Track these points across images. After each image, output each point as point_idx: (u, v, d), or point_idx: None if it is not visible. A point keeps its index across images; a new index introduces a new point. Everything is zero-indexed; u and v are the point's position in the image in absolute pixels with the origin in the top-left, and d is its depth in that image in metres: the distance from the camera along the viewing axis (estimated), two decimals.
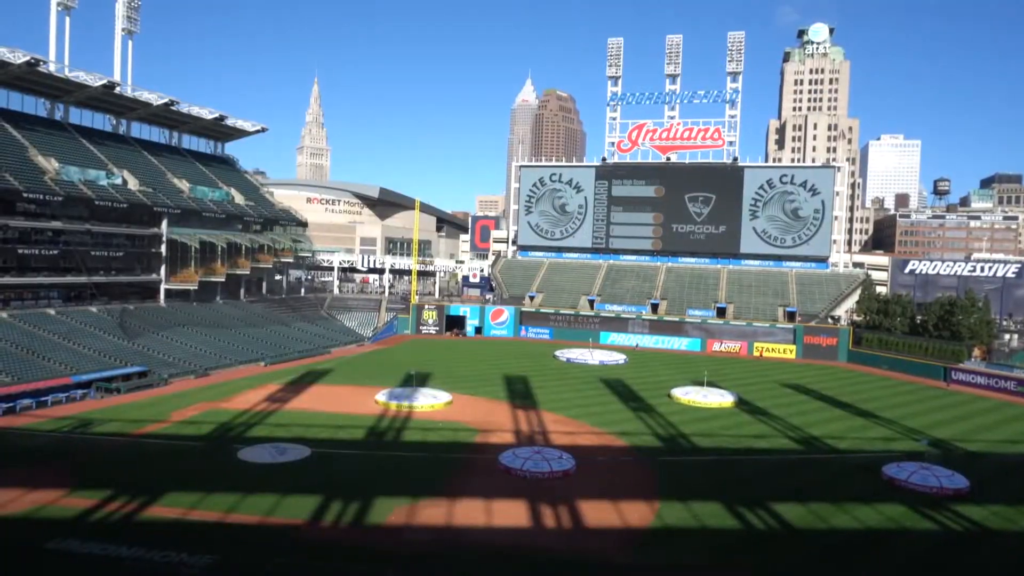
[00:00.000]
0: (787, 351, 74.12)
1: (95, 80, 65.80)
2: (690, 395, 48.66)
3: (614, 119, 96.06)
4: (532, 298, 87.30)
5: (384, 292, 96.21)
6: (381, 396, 45.97)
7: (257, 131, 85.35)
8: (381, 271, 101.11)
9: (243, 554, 22.73)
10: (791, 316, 77.89)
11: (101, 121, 73.57)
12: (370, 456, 34.01)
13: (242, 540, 23.83)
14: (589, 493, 28.75)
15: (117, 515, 25.37)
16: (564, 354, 68.25)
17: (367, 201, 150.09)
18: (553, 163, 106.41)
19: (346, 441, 36.14)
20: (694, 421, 42.42)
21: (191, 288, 70.54)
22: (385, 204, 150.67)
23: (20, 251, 56.09)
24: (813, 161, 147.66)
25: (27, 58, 59.23)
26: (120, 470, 30.50)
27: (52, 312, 57.25)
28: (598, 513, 26.80)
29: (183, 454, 33.78)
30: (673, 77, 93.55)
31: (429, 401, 44.98)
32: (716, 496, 28.62)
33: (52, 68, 63.59)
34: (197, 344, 60.34)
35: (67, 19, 67.95)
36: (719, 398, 48.29)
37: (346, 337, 76.83)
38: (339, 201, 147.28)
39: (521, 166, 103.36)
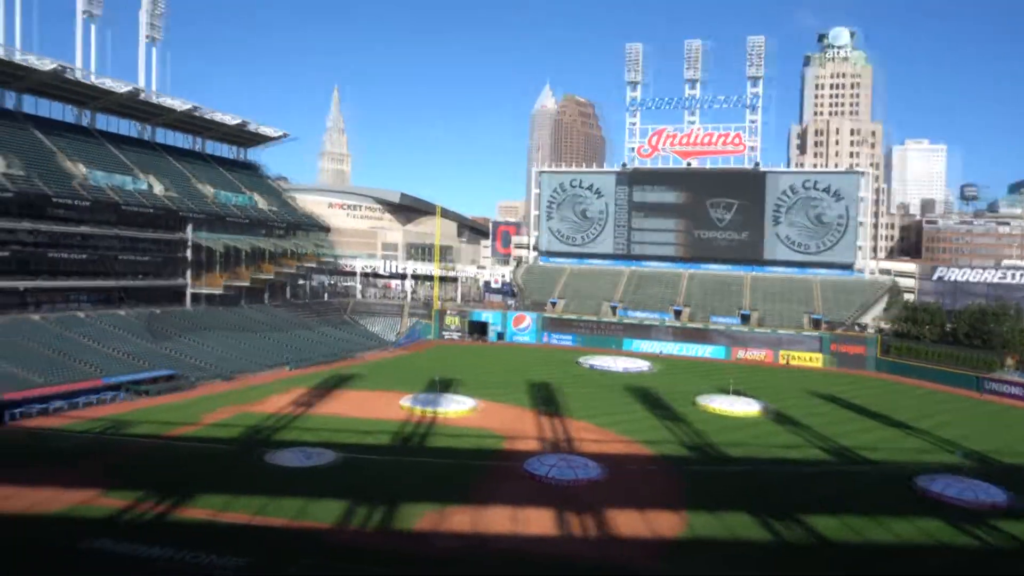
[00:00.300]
0: (814, 359, 73.16)
1: (121, 86, 66.91)
2: (716, 403, 48.18)
3: (634, 124, 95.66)
4: (554, 304, 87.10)
5: (406, 297, 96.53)
6: (406, 401, 46.06)
7: (279, 137, 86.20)
8: (403, 276, 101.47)
9: (271, 557, 22.81)
10: (817, 324, 76.94)
11: (127, 127, 74.70)
12: (396, 461, 34.03)
13: (270, 543, 23.92)
14: (616, 501, 28.49)
15: (149, 516, 25.64)
16: (588, 361, 67.94)
17: (388, 206, 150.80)
18: (574, 169, 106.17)
19: (371, 446, 36.16)
20: (721, 430, 41.96)
21: (217, 292, 71.22)
22: (406, 210, 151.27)
23: (50, 255, 56.97)
24: (836, 166, 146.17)
25: (55, 65, 60.38)
26: (151, 471, 30.83)
27: (82, 315, 58.10)
28: (625, 521, 26.54)
29: (212, 457, 34.07)
30: (693, 82, 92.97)
31: (454, 407, 44.98)
32: (746, 506, 28.23)
33: (79, 75, 64.58)
34: (223, 348, 60.89)
35: (92, 27, 68.91)
36: (746, 407, 47.75)
37: (369, 342, 77.12)
38: (360, 207, 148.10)
39: (541, 172, 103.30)
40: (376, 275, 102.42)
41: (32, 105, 65.15)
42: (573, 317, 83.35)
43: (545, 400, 49.57)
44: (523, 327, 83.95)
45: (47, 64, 59.96)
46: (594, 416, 44.69)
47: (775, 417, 46.18)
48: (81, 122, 69.70)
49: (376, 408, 44.88)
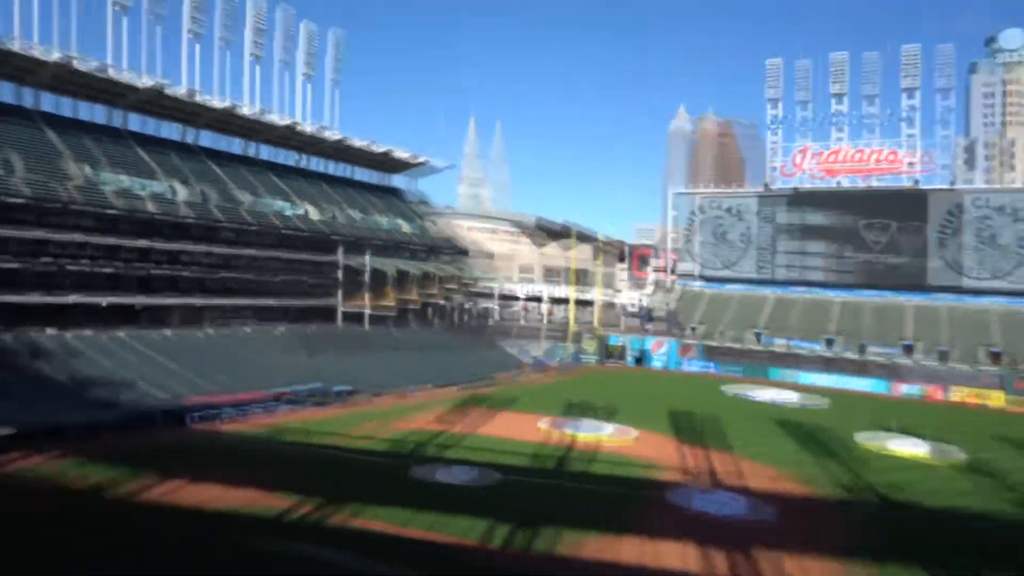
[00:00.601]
0: (993, 398, 65.90)
1: (281, 120, 73.23)
2: (878, 441, 44.47)
3: (775, 143, 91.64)
4: (694, 329, 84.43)
5: (543, 320, 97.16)
6: (547, 424, 46.22)
7: (420, 163, 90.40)
8: (540, 299, 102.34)
9: (411, 569, 23.31)
10: (995, 357, 69.41)
11: (285, 156, 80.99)
12: (551, 485, 33.93)
13: (435, 558, 24.49)
14: (765, 541, 26.75)
15: (310, 519, 27.21)
16: (732, 389, 65.14)
17: (525, 230, 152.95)
18: (712, 189, 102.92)
19: (525, 468, 36.38)
20: (884, 470, 38.53)
21: (367, 312, 74.95)
22: (542, 232, 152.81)
23: (220, 275, 62.43)
24: (1012, 182, 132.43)
25: (226, 104, 67.44)
26: (311, 478, 32.63)
27: (247, 330, 63.03)
28: (775, 564, 24.80)
29: (366, 468, 35.71)
30: (839, 96, 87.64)
31: (600, 432, 44.64)
32: (915, 560, 25.52)
33: (246, 111, 70.73)
34: (374, 365, 63.55)
35: (257, 68, 75.04)
36: (912, 447, 43.68)
37: (508, 364, 78.07)
38: (498, 230, 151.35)
39: (678, 193, 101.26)
40: (514, 298, 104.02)
41: (208, 139, 72.43)
42: (714, 344, 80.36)
43: (688, 429, 47.86)
44: (661, 352, 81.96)
45: (217, 103, 66.91)
46: (742, 448, 42.50)
47: (948, 460, 41.85)
48: (247, 153, 76.42)
49: (524, 430, 45.24)
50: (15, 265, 48.38)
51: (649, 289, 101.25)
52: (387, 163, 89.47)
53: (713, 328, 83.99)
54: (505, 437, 43.09)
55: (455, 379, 65.35)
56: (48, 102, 59.62)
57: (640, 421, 49.21)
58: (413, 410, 50.85)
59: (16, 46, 53.36)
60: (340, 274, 73.28)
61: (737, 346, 79.35)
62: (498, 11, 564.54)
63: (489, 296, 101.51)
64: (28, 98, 58.55)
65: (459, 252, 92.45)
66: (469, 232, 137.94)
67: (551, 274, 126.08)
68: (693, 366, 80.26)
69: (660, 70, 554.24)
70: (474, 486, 32.61)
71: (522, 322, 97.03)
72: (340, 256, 73.05)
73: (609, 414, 50.56)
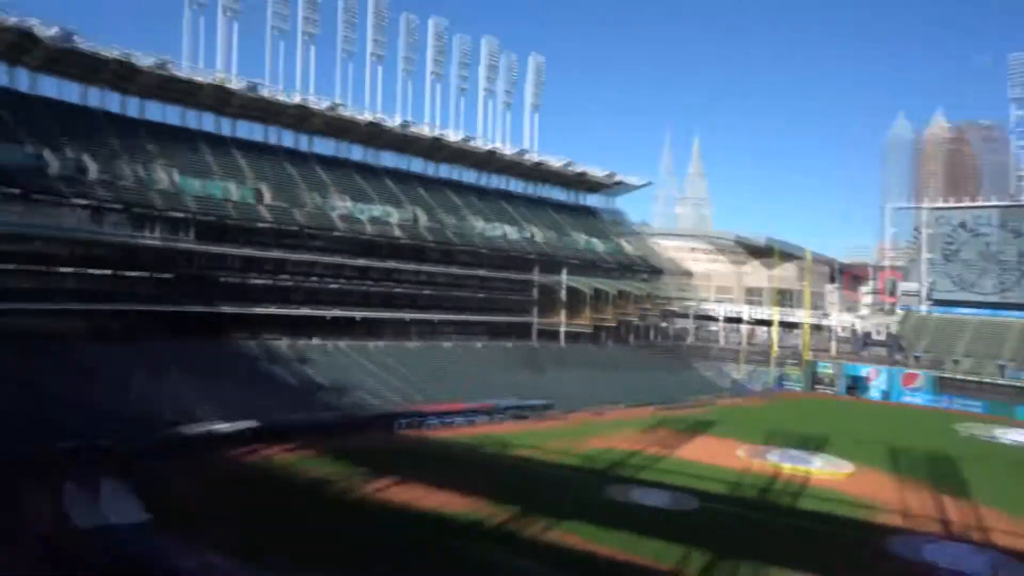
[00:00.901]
0: None
1: (484, 146, 77.80)
2: None
3: (1022, 148, 79.87)
4: (919, 358, 75.67)
5: (743, 342, 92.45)
6: (747, 451, 43.81)
7: (643, 185, 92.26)
8: (739, 320, 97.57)
9: None
10: None
11: (515, 184, 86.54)
12: (758, 517, 32.01)
13: (609, 573, 24.28)
14: None
15: (524, 531, 27.97)
16: (967, 428, 57.27)
17: (752, 250, 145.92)
18: (976, 203, 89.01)
19: (713, 494, 34.70)
20: None
21: (560, 329, 76.16)
22: (771, 253, 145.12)
23: (456, 294, 67.86)
24: None
25: (463, 136, 74.51)
26: (509, 488, 33.51)
27: (448, 345, 66.78)
28: None
29: (559, 483, 36.05)
30: None
31: (804, 463, 41.41)
32: None
33: (452, 138, 75.55)
34: (568, 382, 64.18)
35: (491, 104, 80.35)
36: None
37: (706, 386, 75.12)
38: (695, 248, 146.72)
39: (899, 208, 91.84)
40: (711, 318, 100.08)
41: (447, 171, 79.80)
42: (945, 374, 71.37)
43: (916, 468, 42.63)
44: (879, 381, 74.39)
45: (427, 131, 72.75)
46: (984, 495, 36.67)
47: None
48: (480, 183, 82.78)
49: (722, 455, 43.22)
50: (259, 281, 55.71)
51: (864, 312, 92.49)
52: (582, 183, 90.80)
53: (943, 357, 74.66)
54: (702, 462, 41.36)
55: (650, 399, 64.02)
56: (288, 138, 68.27)
57: (854, 455, 44.76)
58: (607, 428, 50.60)
59: (265, 92, 61.83)
60: (536, 292, 75.28)
61: (974, 378, 69.78)
62: (687, 21, 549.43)
63: (685, 316, 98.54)
64: (272, 136, 67.41)
65: (654, 271, 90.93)
66: (664, 250, 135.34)
67: (751, 294, 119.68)
68: (917, 398, 71.77)
69: (874, 74, 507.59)
70: (670, 510, 31.62)
71: (720, 344, 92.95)
72: (536, 275, 75.08)
73: (818, 445, 46.64)
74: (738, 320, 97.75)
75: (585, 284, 78.14)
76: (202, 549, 22.36)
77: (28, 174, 45.17)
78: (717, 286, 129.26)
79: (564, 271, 77.47)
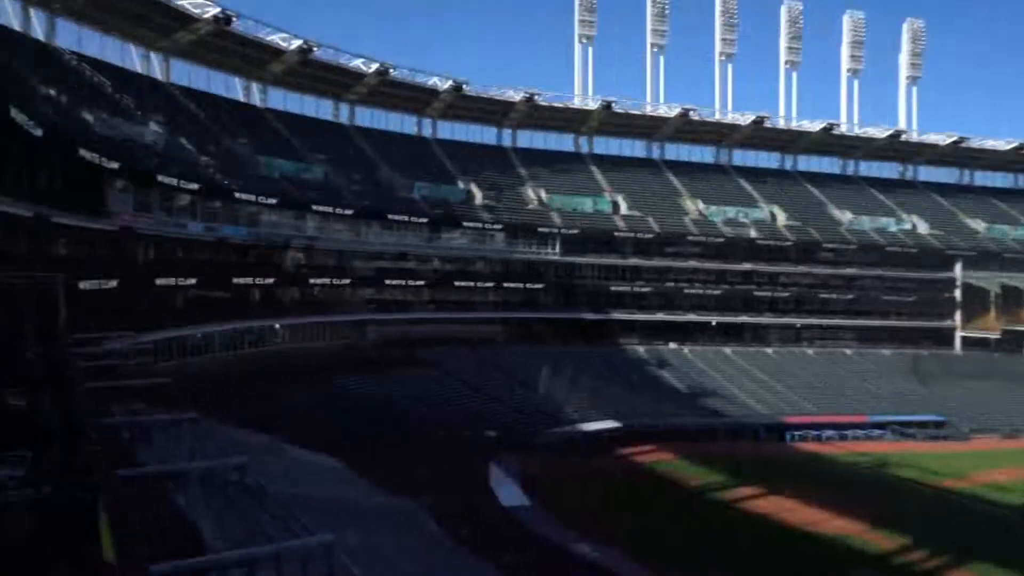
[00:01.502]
0: None
1: (881, 133, 69.10)
2: None
3: None
4: None
5: None
6: None
7: None
8: None
9: None
10: None
11: (888, 169, 75.94)
12: None
13: None
14: None
15: (918, 567, 24.53)
16: None
17: None
18: None
19: None
20: None
21: (991, 336, 63.75)
22: None
23: (820, 295, 62.09)
24: None
25: (823, 124, 67.47)
26: (917, 519, 29.46)
27: (848, 352, 60.95)
28: None
29: (987, 519, 30.40)
30: None
31: None
32: None
33: (843, 129, 69.13)
34: (999, 400, 53.58)
35: (856, 83, 72.52)
36: None
37: None
38: None
39: None
40: None
41: (804, 163, 73.33)
42: None
43: None
44: None
45: (817, 125, 67.34)
46: None
47: None
48: (845, 171, 74.53)
49: None
50: (646, 289, 58.18)
51: None
52: (1019, 161, 74.78)
53: None
54: None
55: None
56: (640, 148, 70.24)
57: None
58: (1019, 457, 41.00)
59: (647, 109, 65.03)
60: (957, 293, 64.30)
61: None
62: None
63: None
64: (656, 151, 70.13)
65: None
66: None
67: None
68: None
69: None
70: None
71: None
72: (958, 272, 64.13)
73: None
74: None
75: (988, 280, 64.01)
76: (593, 541, 24.39)
77: (461, 206, 54.98)
78: None
79: (958, 265, 64.59)
